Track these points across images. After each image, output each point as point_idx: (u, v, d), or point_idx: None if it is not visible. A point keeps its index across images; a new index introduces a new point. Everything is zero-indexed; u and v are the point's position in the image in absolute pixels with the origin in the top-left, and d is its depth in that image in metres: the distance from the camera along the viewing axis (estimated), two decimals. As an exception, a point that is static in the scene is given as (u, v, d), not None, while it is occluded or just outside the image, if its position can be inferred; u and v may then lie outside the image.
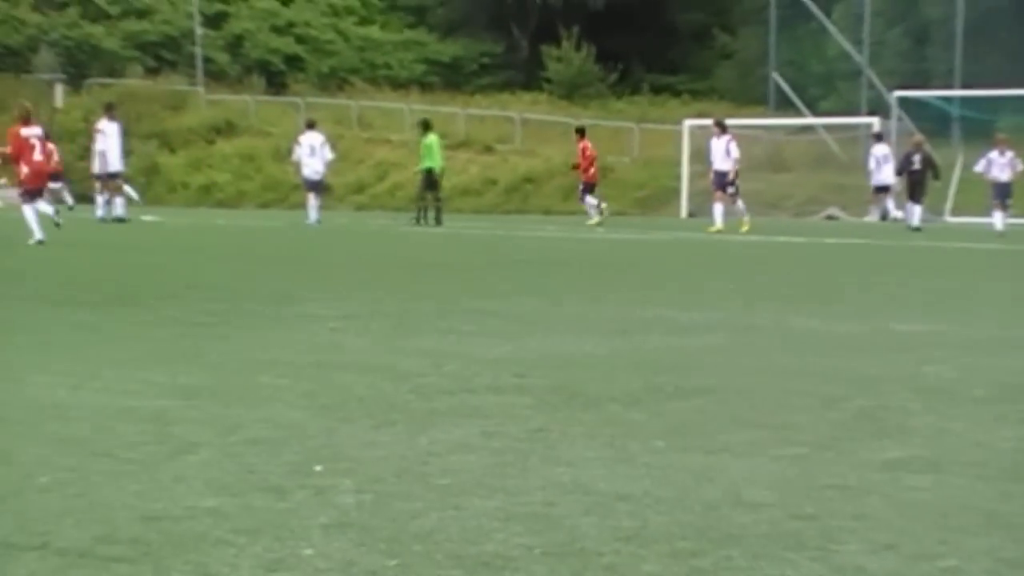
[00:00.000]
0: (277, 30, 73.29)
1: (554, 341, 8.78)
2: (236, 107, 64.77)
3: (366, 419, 5.67)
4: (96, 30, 70.06)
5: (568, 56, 66.59)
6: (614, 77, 66.34)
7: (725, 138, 33.41)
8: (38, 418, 5.64)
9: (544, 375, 7.08)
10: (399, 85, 67.95)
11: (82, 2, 71.03)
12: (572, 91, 65.36)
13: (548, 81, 67.09)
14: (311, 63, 72.44)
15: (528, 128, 57.61)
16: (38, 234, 22.40)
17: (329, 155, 36.23)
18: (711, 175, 34.42)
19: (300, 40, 73.45)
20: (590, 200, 38.05)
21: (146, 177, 54.73)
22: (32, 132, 23.56)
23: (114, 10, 71.30)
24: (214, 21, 71.87)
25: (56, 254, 19.79)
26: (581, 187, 38.37)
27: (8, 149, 23.74)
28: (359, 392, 6.41)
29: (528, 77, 68.81)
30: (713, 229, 31.81)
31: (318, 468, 4.68)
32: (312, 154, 35.36)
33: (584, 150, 37.95)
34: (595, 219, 36.22)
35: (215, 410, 5.86)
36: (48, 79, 63.01)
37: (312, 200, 35.08)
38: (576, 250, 23.43)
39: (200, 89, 66.50)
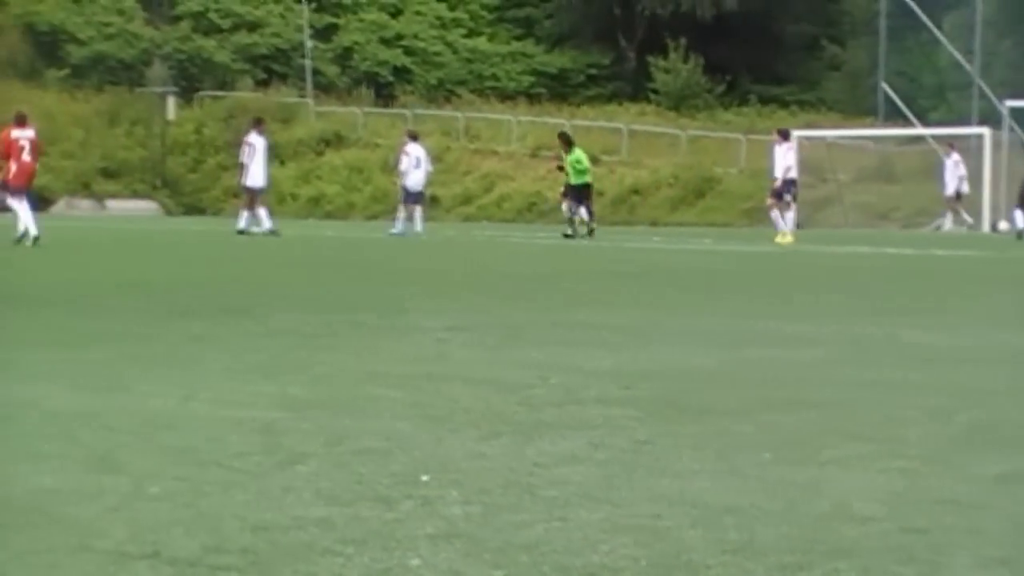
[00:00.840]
0: (386, 42, 73.78)
1: (660, 353, 8.76)
2: (345, 119, 65.24)
3: (473, 430, 5.67)
4: (208, 43, 70.95)
5: (675, 67, 66.43)
6: (721, 88, 66.15)
7: (786, 146, 33.10)
8: (148, 428, 5.69)
9: (651, 387, 7.06)
10: (506, 96, 68.18)
11: (194, 16, 71.96)
12: (679, 102, 65.21)
13: (655, 92, 66.96)
14: (419, 75, 72.86)
15: (635, 139, 57.49)
16: (24, 231, 23.22)
17: (430, 167, 36.55)
18: (778, 185, 33.70)
19: (408, 52, 73.89)
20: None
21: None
22: (23, 134, 24.60)
23: (226, 24, 72.16)
24: (324, 34, 72.51)
25: (166, 265, 20.01)
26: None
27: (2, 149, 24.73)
28: (466, 403, 6.42)
29: (635, 88, 68.74)
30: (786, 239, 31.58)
31: (425, 478, 4.69)
32: (418, 166, 35.53)
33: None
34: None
35: (324, 421, 5.89)
36: (161, 92, 63.93)
37: (417, 212, 35.21)
38: (681, 261, 23.36)
39: (309, 101, 67.07)
